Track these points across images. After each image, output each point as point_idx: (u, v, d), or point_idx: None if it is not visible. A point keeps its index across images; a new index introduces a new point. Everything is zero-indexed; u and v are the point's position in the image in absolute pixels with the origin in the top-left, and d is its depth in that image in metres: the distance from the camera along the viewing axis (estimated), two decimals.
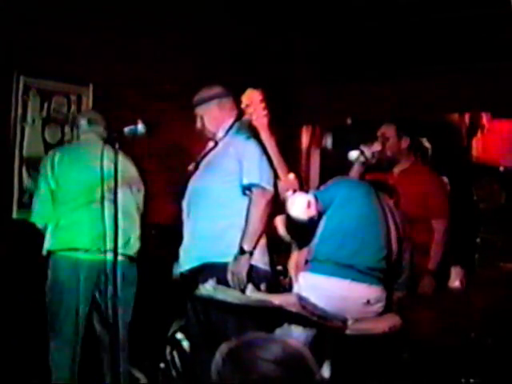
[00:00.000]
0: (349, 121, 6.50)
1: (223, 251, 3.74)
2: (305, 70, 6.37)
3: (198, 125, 3.93)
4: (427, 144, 5.10)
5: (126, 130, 3.40)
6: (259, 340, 1.89)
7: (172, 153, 5.32)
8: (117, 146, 3.37)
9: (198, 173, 3.93)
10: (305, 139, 6.57)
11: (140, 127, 3.39)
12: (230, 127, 3.92)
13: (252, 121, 3.61)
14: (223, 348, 1.88)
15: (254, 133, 3.76)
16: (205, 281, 3.56)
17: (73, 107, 4.92)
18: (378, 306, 3.64)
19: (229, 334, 3.27)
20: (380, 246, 3.68)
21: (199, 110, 3.91)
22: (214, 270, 3.69)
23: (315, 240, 3.71)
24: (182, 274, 3.88)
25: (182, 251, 3.90)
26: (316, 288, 3.58)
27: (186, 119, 4.11)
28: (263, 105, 3.56)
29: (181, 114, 5.06)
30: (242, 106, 3.62)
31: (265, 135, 3.61)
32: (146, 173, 4.37)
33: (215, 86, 3.99)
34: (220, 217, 3.79)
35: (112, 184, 3.41)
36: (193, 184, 3.91)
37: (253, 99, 3.57)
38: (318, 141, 6.62)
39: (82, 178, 4.07)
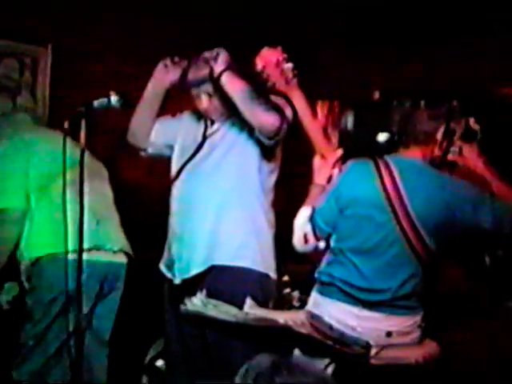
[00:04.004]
0: (376, 95, 6.01)
1: (233, 253, 3.57)
2: (320, 30, 5.78)
3: (205, 104, 3.63)
4: (475, 126, 4.32)
5: (96, 103, 3.21)
6: (287, 364, 1.91)
7: None
8: (83, 123, 3.13)
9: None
10: (320, 118, 5.91)
11: (113, 99, 3.21)
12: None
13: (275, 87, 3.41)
14: (251, 373, 1.88)
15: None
16: (212, 287, 3.40)
17: (26, 73, 4.61)
18: (409, 338, 3.16)
19: (234, 358, 3.11)
20: (402, 263, 3.14)
21: (208, 88, 3.60)
22: (223, 274, 3.53)
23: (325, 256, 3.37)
24: (184, 281, 3.58)
25: (181, 254, 3.63)
26: (322, 310, 3.22)
27: None
28: (284, 66, 3.35)
29: None
30: (257, 68, 3.40)
31: (298, 102, 3.46)
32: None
33: None
34: (228, 215, 3.59)
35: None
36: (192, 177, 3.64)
37: (269, 60, 3.36)
38: (337, 120, 5.66)
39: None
